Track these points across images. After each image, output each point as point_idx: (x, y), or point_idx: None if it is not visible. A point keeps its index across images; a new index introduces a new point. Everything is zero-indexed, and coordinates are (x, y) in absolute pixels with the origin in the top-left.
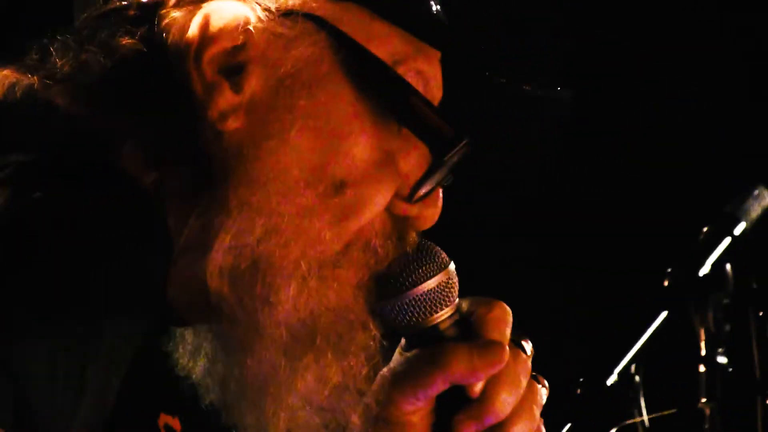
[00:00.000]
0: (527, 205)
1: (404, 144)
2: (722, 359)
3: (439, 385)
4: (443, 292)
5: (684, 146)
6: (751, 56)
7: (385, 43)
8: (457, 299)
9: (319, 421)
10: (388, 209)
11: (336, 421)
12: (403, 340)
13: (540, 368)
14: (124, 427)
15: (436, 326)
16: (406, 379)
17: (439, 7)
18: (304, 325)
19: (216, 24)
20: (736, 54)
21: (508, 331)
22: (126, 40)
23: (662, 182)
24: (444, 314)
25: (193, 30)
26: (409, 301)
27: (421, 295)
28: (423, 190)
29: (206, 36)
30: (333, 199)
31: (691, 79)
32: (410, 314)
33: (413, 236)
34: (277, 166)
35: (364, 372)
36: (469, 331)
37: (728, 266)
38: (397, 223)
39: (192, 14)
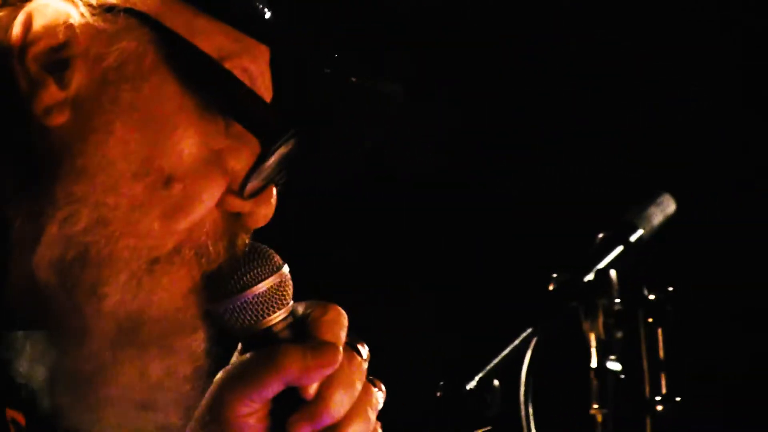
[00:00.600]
0: (397, 201)
1: (234, 142)
2: (614, 366)
3: (274, 387)
4: (276, 295)
5: (589, 152)
6: (662, 62)
7: (210, 38)
8: (292, 302)
9: (140, 418)
10: (221, 207)
11: (156, 419)
12: (240, 344)
13: (410, 369)
14: None
15: (269, 329)
16: (240, 381)
17: (262, 5)
18: (132, 319)
19: (39, 22)
20: (644, 60)
21: (343, 334)
22: None
23: (561, 188)
24: (277, 317)
25: (17, 29)
26: (241, 303)
27: (253, 298)
28: (253, 184)
29: (29, 34)
30: (161, 193)
31: (598, 84)
32: (243, 317)
33: (246, 239)
34: (104, 159)
35: (185, 372)
36: (303, 333)
37: (613, 272)
38: (230, 223)
39: (16, 13)
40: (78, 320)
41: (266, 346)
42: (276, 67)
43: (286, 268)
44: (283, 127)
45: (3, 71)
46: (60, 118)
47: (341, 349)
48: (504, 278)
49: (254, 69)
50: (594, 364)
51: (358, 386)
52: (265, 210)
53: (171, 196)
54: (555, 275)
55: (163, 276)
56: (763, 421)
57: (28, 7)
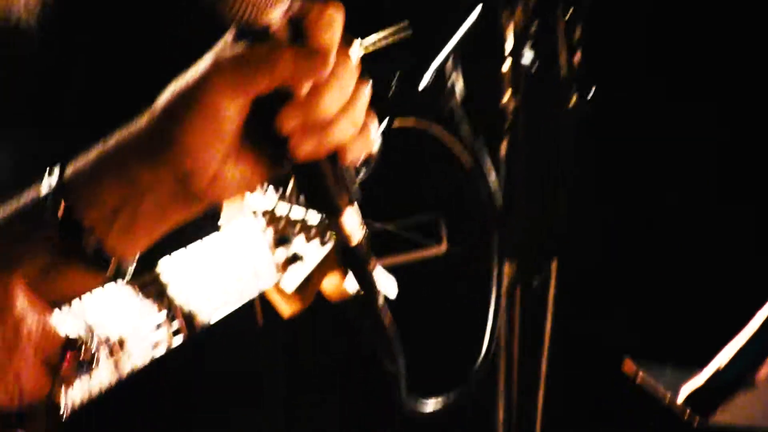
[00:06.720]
0: None
1: None
2: (527, 55)
3: (262, 85)
4: None
5: None
6: None
7: None
8: None
9: None
10: None
11: None
12: (232, 30)
13: None
14: None
15: (267, 28)
16: (229, 70)
17: None
18: None
19: None
20: None
21: (337, 35)
22: None
23: None
24: (275, 14)
25: None
26: None
27: None
28: None
29: None
30: None
31: None
32: (243, 9)
33: None
34: None
35: None
36: (299, 33)
37: None
38: None
39: None
40: None
41: (262, 41)
42: None
43: None
44: None
45: None
46: None
47: (334, 53)
48: None
49: None
50: (508, 53)
51: (351, 86)
52: None
53: None
54: None
55: None
56: None
57: None
